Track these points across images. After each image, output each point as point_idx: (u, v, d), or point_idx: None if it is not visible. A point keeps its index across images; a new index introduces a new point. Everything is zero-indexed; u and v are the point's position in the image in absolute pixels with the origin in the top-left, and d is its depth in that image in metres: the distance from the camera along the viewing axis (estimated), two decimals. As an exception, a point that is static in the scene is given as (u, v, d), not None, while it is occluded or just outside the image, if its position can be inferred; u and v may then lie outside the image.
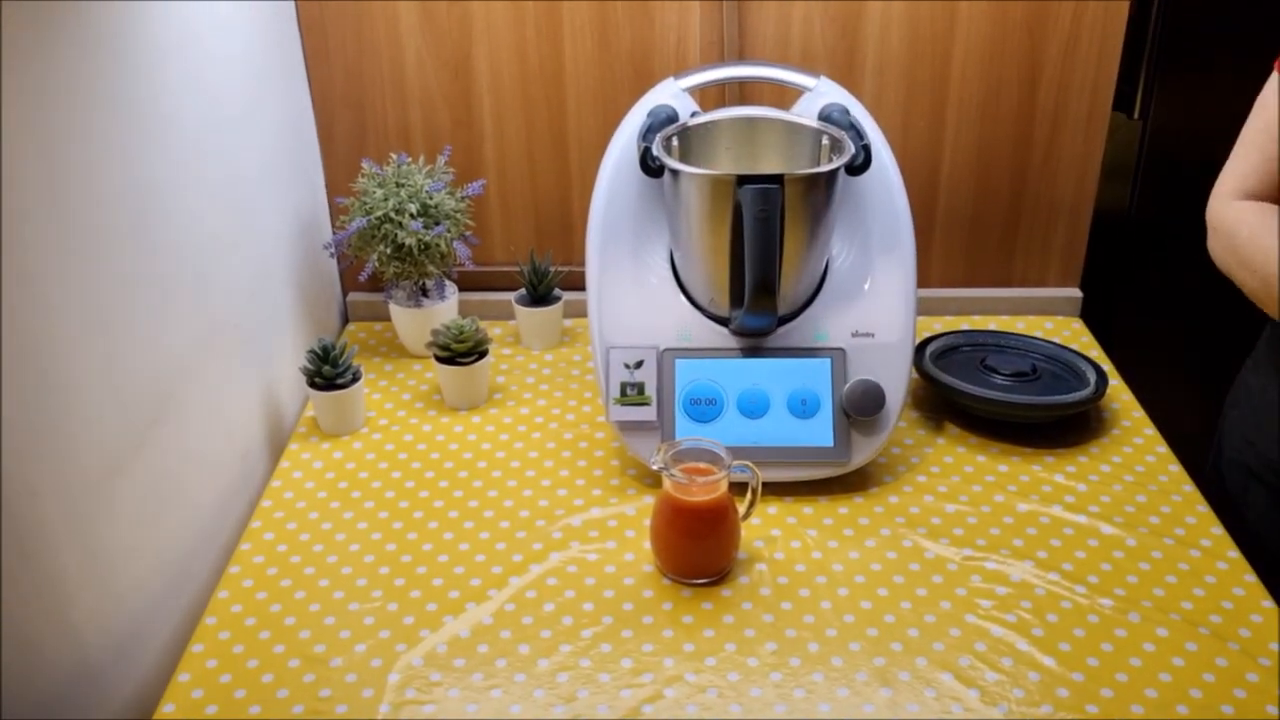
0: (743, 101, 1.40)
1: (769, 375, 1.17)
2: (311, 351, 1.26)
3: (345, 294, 1.55)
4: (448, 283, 1.44)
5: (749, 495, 1.08)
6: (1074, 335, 1.48)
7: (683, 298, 1.20)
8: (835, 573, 1.07)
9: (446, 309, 1.41)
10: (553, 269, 1.43)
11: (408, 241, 1.32)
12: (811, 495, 1.17)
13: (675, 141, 1.18)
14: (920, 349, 1.33)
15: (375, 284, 1.43)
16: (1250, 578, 1.05)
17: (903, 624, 1.01)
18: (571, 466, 1.23)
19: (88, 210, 0.88)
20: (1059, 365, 1.34)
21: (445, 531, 1.13)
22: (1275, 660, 0.96)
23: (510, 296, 1.45)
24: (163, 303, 1.01)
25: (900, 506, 1.16)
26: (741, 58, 1.39)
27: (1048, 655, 0.97)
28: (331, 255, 1.44)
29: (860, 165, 1.14)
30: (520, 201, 1.49)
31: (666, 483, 1.04)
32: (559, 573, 1.07)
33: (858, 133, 1.16)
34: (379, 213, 1.32)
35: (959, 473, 1.21)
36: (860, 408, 1.15)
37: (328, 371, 1.26)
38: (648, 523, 1.10)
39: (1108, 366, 1.39)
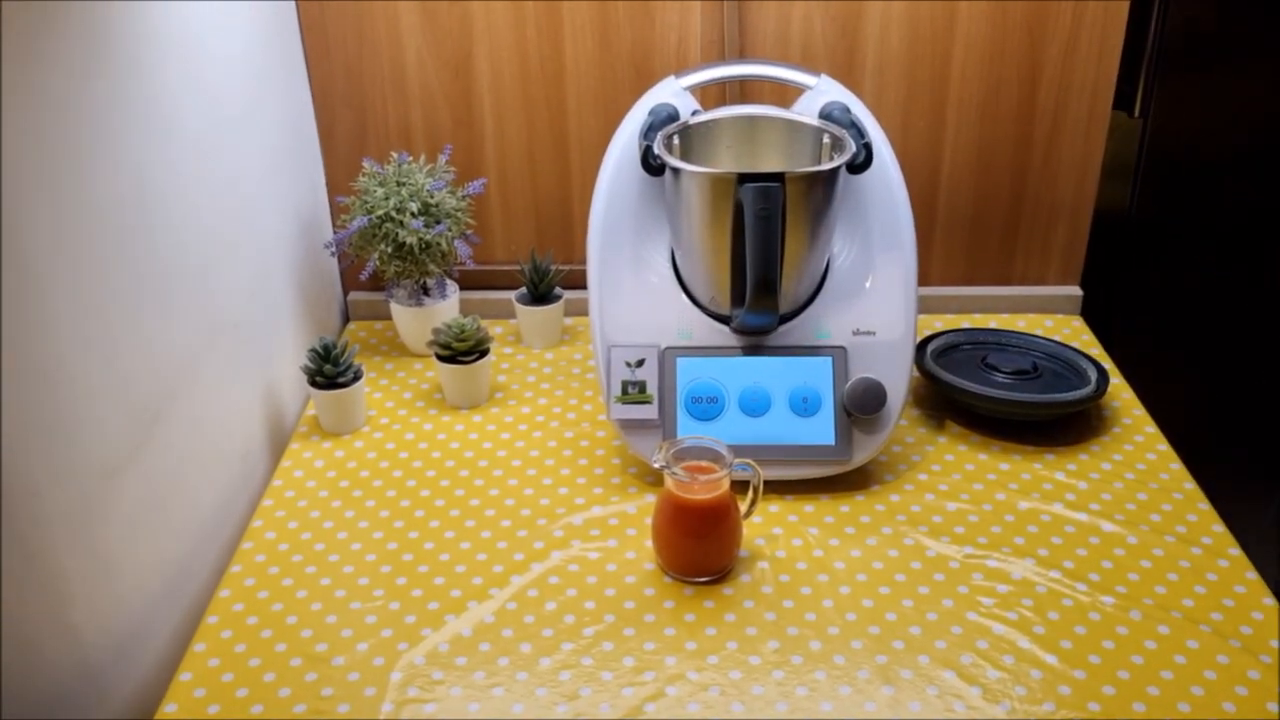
0: (743, 100, 1.40)
1: (770, 373, 1.17)
2: (312, 350, 1.26)
3: (346, 293, 1.55)
4: (449, 282, 1.44)
5: (750, 493, 1.08)
6: (1074, 333, 1.48)
7: (684, 296, 1.19)
8: (837, 571, 1.07)
9: (447, 308, 1.41)
10: (553, 268, 1.43)
11: (409, 240, 1.32)
12: (813, 493, 1.17)
13: (676, 140, 1.18)
14: (921, 347, 1.33)
15: (376, 283, 1.43)
16: (1251, 575, 1.05)
17: (904, 622, 1.01)
18: (573, 465, 1.23)
19: (88, 210, 0.88)
20: (1059, 363, 1.34)
21: (447, 530, 1.13)
22: (1276, 658, 0.96)
23: (511, 295, 1.45)
24: (163, 302, 1.01)
25: (901, 504, 1.16)
26: (742, 56, 1.39)
27: (1049, 653, 0.97)
28: (332, 254, 1.44)
29: (861, 164, 1.14)
30: (521, 200, 1.49)
31: (668, 481, 1.05)
32: (560, 571, 1.07)
33: (859, 131, 1.16)
34: (380, 212, 1.32)
35: (960, 471, 1.21)
36: (861, 406, 1.15)
37: (329, 370, 1.26)
38: (649, 521, 1.10)
39: (1108, 364, 1.39)
